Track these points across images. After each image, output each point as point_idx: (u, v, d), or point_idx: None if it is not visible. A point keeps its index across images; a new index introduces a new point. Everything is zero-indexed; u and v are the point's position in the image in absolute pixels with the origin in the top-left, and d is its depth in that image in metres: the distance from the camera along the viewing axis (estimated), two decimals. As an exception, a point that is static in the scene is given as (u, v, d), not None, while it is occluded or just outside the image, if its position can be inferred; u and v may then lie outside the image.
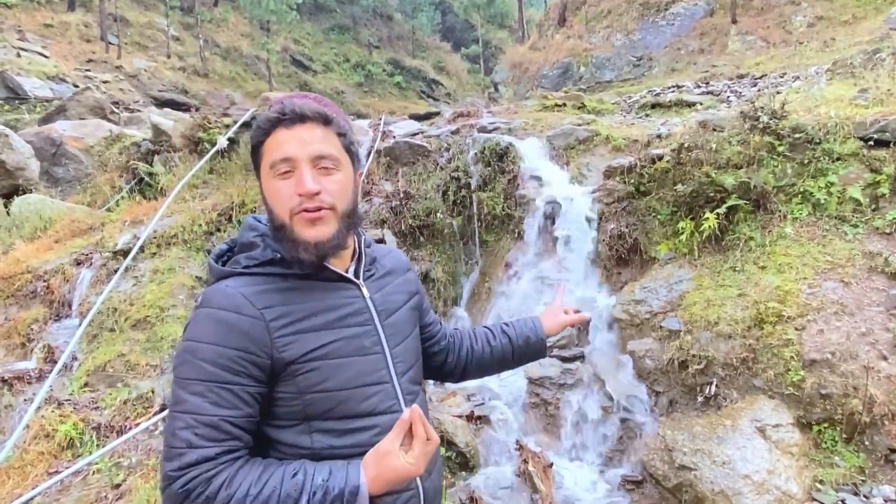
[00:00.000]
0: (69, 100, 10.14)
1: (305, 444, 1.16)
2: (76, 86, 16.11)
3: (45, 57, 19.33)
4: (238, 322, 1.11)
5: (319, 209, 1.14)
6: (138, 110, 13.70)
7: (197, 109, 12.42)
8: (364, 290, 1.27)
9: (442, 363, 1.60)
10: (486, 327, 1.68)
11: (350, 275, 1.26)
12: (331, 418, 1.17)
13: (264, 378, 1.12)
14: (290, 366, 1.13)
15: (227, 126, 6.80)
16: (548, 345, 1.69)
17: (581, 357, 4.28)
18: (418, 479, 1.27)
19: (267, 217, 1.22)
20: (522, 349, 1.64)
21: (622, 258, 4.87)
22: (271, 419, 1.16)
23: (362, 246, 1.32)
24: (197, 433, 1.05)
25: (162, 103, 18.53)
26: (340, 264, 1.26)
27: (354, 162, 1.26)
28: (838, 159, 4.25)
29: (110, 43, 22.81)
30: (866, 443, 3.30)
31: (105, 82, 19.04)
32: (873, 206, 4.05)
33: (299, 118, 1.15)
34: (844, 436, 3.33)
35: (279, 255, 1.18)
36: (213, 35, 28.80)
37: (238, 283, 1.17)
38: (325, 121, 1.18)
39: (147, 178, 6.79)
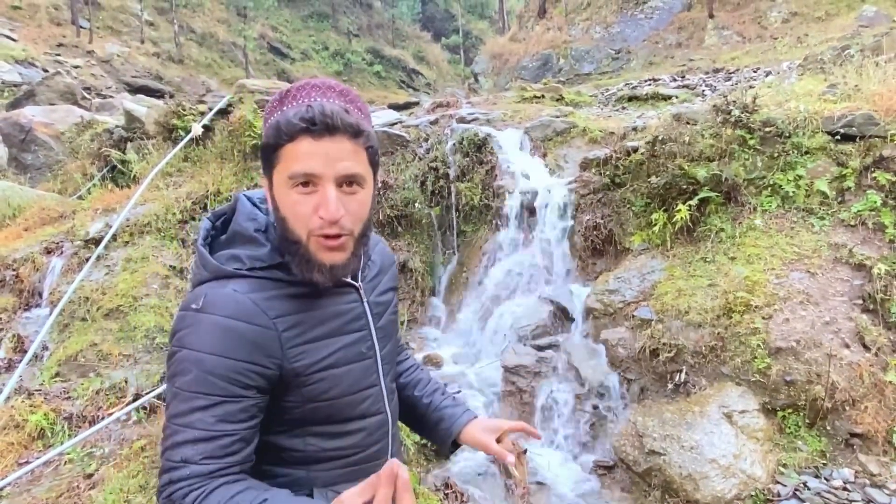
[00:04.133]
0: (38, 85, 9.90)
1: (298, 447, 1.15)
2: (46, 70, 15.70)
3: (13, 40, 18.80)
4: (249, 333, 1.04)
5: (339, 236, 1.06)
6: (111, 96, 13.42)
7: (171, 96, 12.19)
8: (363, 293, 1.22)
9: None
10: (429, 382, 1.52)
11: (349, 278, 1.19)
12: (327, 423, 1.16)
13: (269, 389, 1.08)
14: (298, 377, 1.09)
15: (203, 113, 6.70)
16: (454, 448, 1.44)
17: (555, 346, 4.34)
18: None
19: (276, 223, 1.11)
20: (429, 423, 1.45)
21: (597, 249, 4.94)
22: (268, 424, 1.12)
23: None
24: (196, 450, 1.01)
25: (135, 89, 18.17)
26: None
27: (376, 172, 1.15)
28: (807, 153, 4.35)
29: (81, 27, 22.24)
30: (828, 428, 3.42)
31: (76, 67, 18.60)
32: (839, 199, 4.17)
33: (328, 130, 1.02)
34: (807, 421, 3.44)
35: (286, 259, 1.10)
36: (189, 20, 28.23)
37: (245, 287, 1.07)
38: (356, 133, 1.05)
39: (120, 166, 6.67)
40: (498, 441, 1.34)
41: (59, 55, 19.39)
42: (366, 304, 1.22)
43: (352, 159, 1.05)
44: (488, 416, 4.00)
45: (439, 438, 1.43)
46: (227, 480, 1.03)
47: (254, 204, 1.20)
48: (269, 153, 1.07)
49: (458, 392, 4.12)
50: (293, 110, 1.04)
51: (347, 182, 1.05)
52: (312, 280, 1.08)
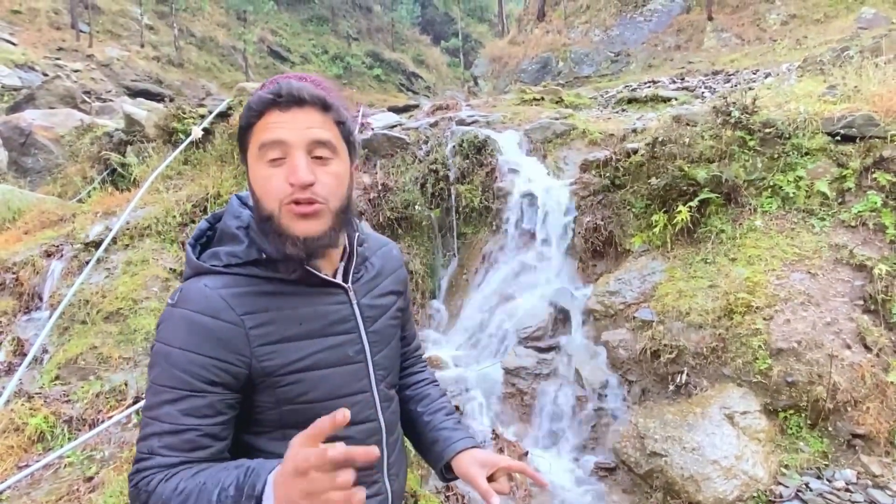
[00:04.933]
0: (38, 88, 9.92)
1: (278, 451, 1.08)
2: (46, 74, 15.71)
3: (13, 44, 18.82)
4: (215, 328, 1.03)
5: (312, 202, 1.03)
6: (110, 100, 13.44)
7: (171, 100, 12.21)
8: (352, 294, 1.18)
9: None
10: (437, 399, 1.46)
11: (338, 278, 1.17)
12: (307, 427, 1.14)
13: (239, 387, 1.06)
14: (269, 377, 1.07)
15: (202, 116, 6.71)
16: (452, 476, 1.34)
17: (556, 348, 4.34)
18: (387, 480, 1.25)
19: (252, 205, 1.11)
20: (425, 443, 1.39)
21: (597, 250, 4.93)
22: (244, 425, 1.11)
23: (354, 244, 1.22)
24: (162, 442, 1.00)
25: (135, 93, 18.16)
26: (328, 265, 1.16)
27: (352, 154, 1.15)
28: (807, 154, 4.35)
29: (81, 31, 22.26)
30: (830, 429, 3.41)
31: (76, 71, 18.61)
32: (840, 200, 4.16)
33: (296, 101, 1.03)
34: (809, 422, 3.43)
35: (264, 256, 1.08)
36: (189, 24, 28.26)
37: (218, 282, 1.07)
38: (325, 106, 1.06)
39: (120, 169, 6.68)
40: (492, 479, 1.25)
41: (58, 59, 19.40)
42: (355, 306, 1.18)
43: (321, 127, 1.05)
44: (493, 417, 3.99)
45: (432, 460, 1.37)
46: (194, 468, 1.00)
47: (244, 203, 1.19)
48: (243, 136, 1.09)
49: (459, 394, 4.11)
50: (262, 90, 1.06)
51: (318, 148, 1.05)
52: (286, 254, 1.05)
